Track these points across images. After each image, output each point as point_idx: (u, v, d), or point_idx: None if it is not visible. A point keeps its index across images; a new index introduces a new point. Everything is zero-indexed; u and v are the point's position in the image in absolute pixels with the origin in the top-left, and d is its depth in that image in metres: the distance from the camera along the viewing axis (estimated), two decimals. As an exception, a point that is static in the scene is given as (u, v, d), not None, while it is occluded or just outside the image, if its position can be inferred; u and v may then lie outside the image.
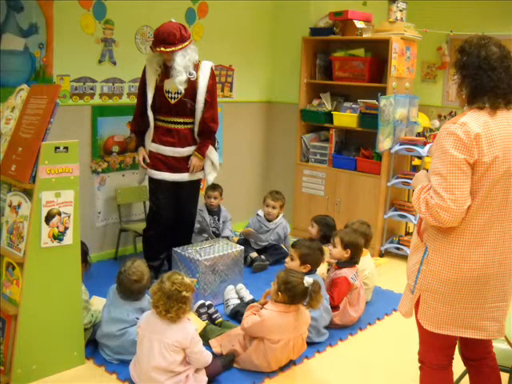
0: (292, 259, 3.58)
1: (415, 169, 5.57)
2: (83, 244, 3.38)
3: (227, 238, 4.63)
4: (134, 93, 4.58)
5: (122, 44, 4.51)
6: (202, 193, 4.70)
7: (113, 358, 3.12)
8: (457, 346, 2.39)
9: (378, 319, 3.88)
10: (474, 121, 2.08)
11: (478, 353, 2.43)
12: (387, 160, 5.05)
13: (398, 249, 5.09)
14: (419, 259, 2.24)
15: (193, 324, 2.90)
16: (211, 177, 4.20)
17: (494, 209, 2.12)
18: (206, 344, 3.13)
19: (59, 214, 2.90)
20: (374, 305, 4.06)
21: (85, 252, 3.53)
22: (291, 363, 3.22)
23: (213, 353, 3.08)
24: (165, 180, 4.04)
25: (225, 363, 3.05)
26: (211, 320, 3.51)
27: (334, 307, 3.65)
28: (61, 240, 2.92)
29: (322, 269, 3.87)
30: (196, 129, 4.04)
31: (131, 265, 3.14)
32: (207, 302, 3.61)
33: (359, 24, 5.09)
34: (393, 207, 5.17)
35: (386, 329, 3.78)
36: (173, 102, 3.96)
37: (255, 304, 3.27)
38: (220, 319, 3.54)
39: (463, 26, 5.82)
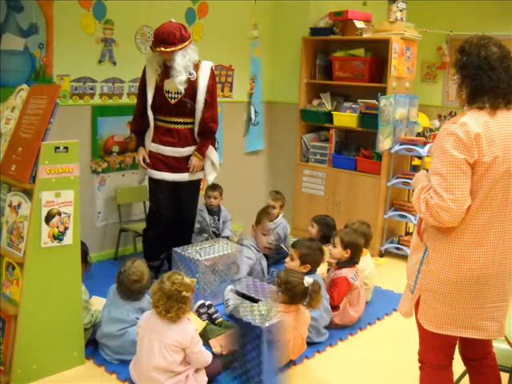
0: (292, 259, 3.58)
1: (415, 169, 5.57)
2: (83, 244, 3.38)
3: (227, 237, 4.63)
4: (134, 93, 4.58)
5: (122, 44, 4.50)
6: (202, 193, 4.70)
7: (113, 358, 3.12)
8: (457, 346, 2.39)
9: (378, 319, 3.88)
10: (474, 121, 2.08)
11: (477, 353, 2.43)
12: (387, 160, 5.04)
13: (398, 249, 5.09)
14: (419, 259, 2.23)
15: (193, 324, 2.90)
16: (211, 177, 4.20)
17: (493, 209, 2.12)
18: (206, 344, 3.12)
19: (59, 214, 2.90)
20: (373, 305, 4.06)
21: (85, 252, 3.53)
22: (291, 363, 3.22)
23: (213, 353, 3.08)
24: (165, 180, 4.04)
25: (225, 363, 3.05)
26: (211, 320, 3.51)
27: (334, 307, 3.65)
28: (61, 240, 2.92)
29: (322, 269, 3.87)
30: (196, 129, 4.04)
31: (131, 265, 3.14)
32: (207, 302, 3.61)
33: (359, 24, 5.09)
34: (393, 207, 5.17)
35: (386, 329, 3.78)
36: (173, 102, 3.96)
37: (255, 304, 3.27)
38: (220, 319, 3.54)
39: (463, 26, 5.82)
